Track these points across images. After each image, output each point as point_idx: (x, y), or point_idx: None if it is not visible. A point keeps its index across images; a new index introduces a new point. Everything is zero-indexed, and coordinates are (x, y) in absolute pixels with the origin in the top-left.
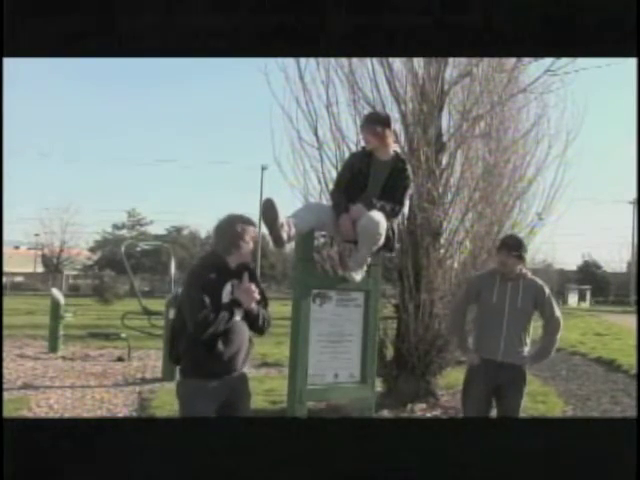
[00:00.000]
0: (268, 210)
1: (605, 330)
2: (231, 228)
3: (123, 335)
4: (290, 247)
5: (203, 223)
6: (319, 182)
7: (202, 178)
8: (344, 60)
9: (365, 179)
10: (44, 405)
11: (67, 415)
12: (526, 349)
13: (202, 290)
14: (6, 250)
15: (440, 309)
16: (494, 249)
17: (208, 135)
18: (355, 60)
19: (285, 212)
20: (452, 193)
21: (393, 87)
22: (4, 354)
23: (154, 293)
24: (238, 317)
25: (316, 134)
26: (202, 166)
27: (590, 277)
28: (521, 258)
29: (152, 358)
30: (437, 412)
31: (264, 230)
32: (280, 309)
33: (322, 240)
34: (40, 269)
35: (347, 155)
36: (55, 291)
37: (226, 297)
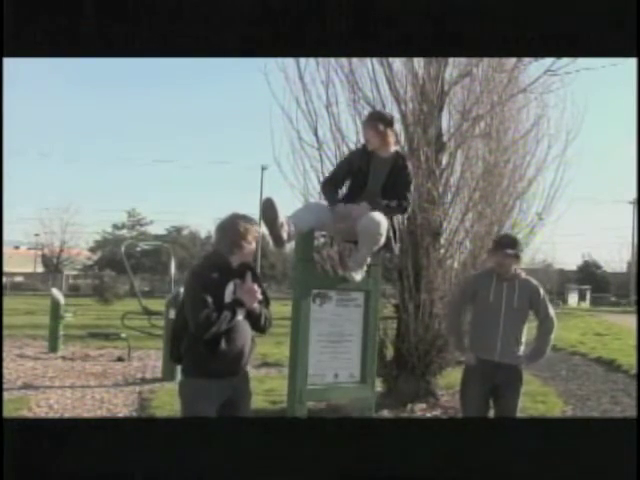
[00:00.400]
0: (268, 210)
1: (605, 330)
2: (233, 228)
3: (123, 335)
4: (290, 247)
5: (203, 223)
6: (319, 182)
7: (202, 178)
8: (344, 60)
9: (365, 177)
10: (44, 405)
11: (67, 415)
12: (522, 349)
13: (204, 289)
14: (6, 250)
15: (440, 309)
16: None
17: (208, 135)
18: (355, 60)
19: (285, 212)
20: (452, 193)
21: (393, 87)
22: (4, 354)
23: (154, 293)
24: (240, 317)
25: (316, 134)
26: (202, 166)
27: (590, 277)
28: (517, 257)
29: (152, 358)
30: (437, 412)
31: (264, 230)
32: (280, 309)
33: (322, 240)
34: (40, 269)
35: None
36: (55, 291)
37: (228, 297)
